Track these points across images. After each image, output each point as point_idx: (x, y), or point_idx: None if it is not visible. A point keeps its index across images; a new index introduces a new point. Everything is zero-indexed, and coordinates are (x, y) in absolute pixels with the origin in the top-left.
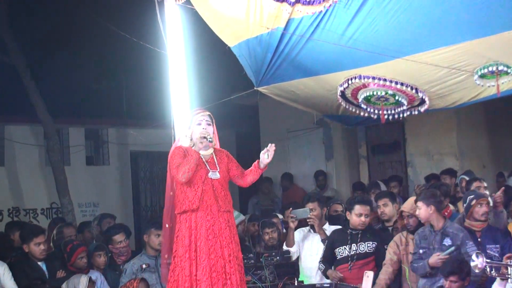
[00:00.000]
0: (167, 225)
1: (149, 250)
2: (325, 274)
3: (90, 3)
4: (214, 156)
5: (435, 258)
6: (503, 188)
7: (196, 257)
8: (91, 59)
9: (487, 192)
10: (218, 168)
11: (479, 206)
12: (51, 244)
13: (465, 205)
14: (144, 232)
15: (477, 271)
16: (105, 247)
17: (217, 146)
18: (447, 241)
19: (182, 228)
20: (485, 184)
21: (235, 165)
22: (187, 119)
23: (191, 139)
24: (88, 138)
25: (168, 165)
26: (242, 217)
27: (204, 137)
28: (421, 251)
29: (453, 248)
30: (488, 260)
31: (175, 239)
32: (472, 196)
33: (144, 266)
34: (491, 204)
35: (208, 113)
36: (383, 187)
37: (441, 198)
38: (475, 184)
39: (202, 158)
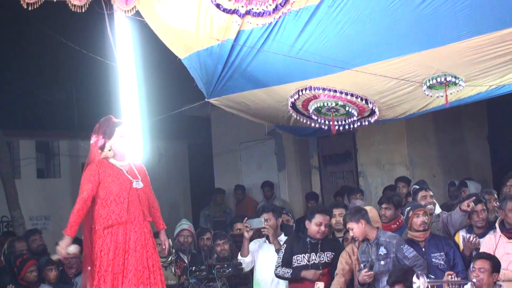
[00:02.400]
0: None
1: None
2: (293, 276)
3: (41, 14)
4: (133, 166)
5: (361, 276)
6: (473, 198)
7: (123, 269)
8: (42, 71)
9: (434, 201)
10: (139, 177)
11: (416, 216)
12: (2, 258)
13: (404, 217)
14: None
15: None
16: (56, 261)
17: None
18: (382, 250)
19: (107, 242)
20: (431, 193)
21: (149, 183)
22: (104, 126)
23: (110, 150)
24: (39, 150)
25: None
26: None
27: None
28: (362, 265)
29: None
30: (429, 280)
31: (98, 254)
32: (409, 208)
33: None
34: (438, 212)
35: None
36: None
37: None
38: (421, 194)
39: (122, 170)
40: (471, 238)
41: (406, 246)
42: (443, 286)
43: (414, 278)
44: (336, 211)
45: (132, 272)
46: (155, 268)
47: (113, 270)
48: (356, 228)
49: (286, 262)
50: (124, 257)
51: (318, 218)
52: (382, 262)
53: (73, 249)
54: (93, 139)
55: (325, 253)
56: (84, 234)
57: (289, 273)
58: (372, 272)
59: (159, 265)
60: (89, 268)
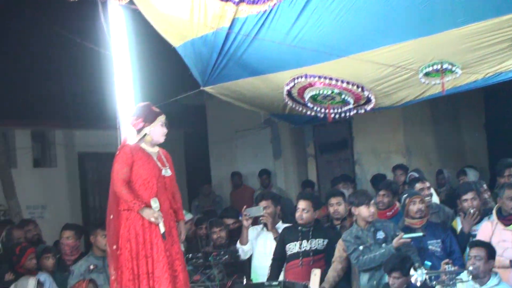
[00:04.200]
0: (111, 216)
1: (96, 251)
2: (273, 271)
3: (34, 3)
4: (161, 153)
5: (400, 241)
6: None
7: (153, 254)
8: (36, 60)
9: (432, 192)
10: (167, 164)
11: (412, 204)
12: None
13: (399, 205)
14: (91, 233)
15: (418, 284)
16: (53, 249)
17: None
18: (380, 234)
19: (135, 226)
20: (428, 184)
21: (174, 173)
22: (146, 111)
23: (147, 134)
24: (35, 140)
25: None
26: (189, 215)
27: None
28: (360, 247)
29: (420, 234)
30: (426, 270)
31: (126, 235)
32: (406, 195)
33: (91, 267)
34: (436, 200)
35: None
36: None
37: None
38: (417, 186)
39: (152, 156)
40: (471, 211)
41: (399, 231)
42: (441, 276)
43: (412, 271)
44: (334, 200)
45: (164, 258)
46: (179, 255)
47: (145, 253)
48: (370, 209)
49: (276, 253)
50: (152, 242)
51: (299, 203)
52: (383, 245)
53: (155, 206)
54: (133, 121)
55: (317, 240)
56: (112, 214)
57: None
58: (409, 240)
59: (182, 253)
60: (114, 247)
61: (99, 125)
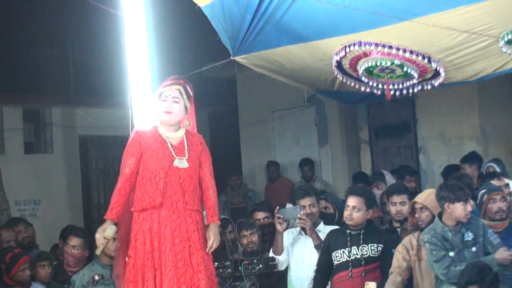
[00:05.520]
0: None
1: (102, 257)
2: (317, 285)
3: None
4: (185, 140)
5: (505, 254)
6: None
7: (161, 265)
8: (30, 21)
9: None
10: (186, 155)
11: (492, 202)
12: None
13: (477, 202)
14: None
15: None
16: (49, 255)
17: (193, 128)
18: (469, 235)
19: (143, 230)
20: (507, 181)
21: (207, 163)
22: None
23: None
24: (27, 120)
25: None
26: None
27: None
28: (451, 253)
29: None
30: None
31: (134, 243)
32: (483, 191)
33: (96, 277)
34: None
35: (178, 86)
36: (389, 179)
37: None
38: (493, 183)
39: (166, 142)
40: None
41: (490, 229)
42: None
43: None
44: (398, 198)
45: (172, 269)
46: (201, 268)
47: (153, 264)
48: (463, 207)
49: (320, 264)
50: (160, 250)
51: (349, 200)
52: (474, 249)
53: (110, 231)
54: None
55: (369, 245)
56: (123, 216)
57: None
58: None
59: (209, 265)
60: (126, 258)
61: (106, 103)
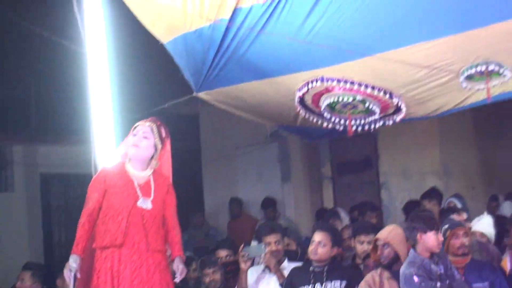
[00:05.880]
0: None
1: None
2: None
3: None
4: (152, 180)
5: None
6: None
7: None
8: None
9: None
10: (152, 195)
11: (455, 237)
12: None
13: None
14: (58, 276)
15: None
16: None
17: (169, 172)
18: (440, 269)
19: (105, 268)
20: (465, 217)
21: (172, 205)
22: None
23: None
24: None
25: None
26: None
27: None
28: (438, 284)
29: None
30: None
31: (96, 280)
32: (446, 226)
33: None
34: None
35: (151, 124)
36: (344, 216)
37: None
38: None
39: (133, 180)
40: None
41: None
42: None
43: None
44: (365, 238)
45: None
46: None
47: None
48: (436, 237)
49: None
50: None
51: (315, 235)
52: (447, 281)
53: (73, 264)
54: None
55: (333, 282)
56: (86, 252)
57: None
58: None
59: None
60: None
61: (68, 140)
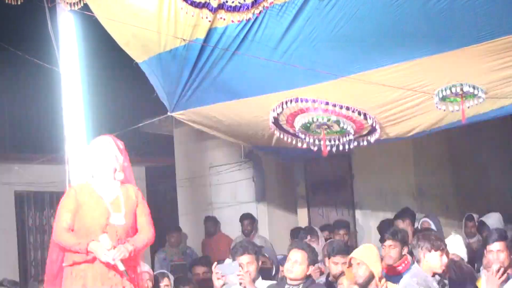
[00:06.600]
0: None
1: None
2: None
3: None
4: (121, 194)
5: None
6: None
7: None
8: None
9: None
10: (123, 210)
11: None
12: None
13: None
14: None
15: None
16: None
17: (131, 180)
18: None
19: (75, 285)
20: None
21: (143, 215)
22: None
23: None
24: None
25: None
26: (146, 266)
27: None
28: None
29: None
30: None
31: None
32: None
33: None
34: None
35: (105, 137)
36: (321, 236)
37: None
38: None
39: (102, 198)
40: (494, 268)
41: None
42: None
43: None
44: (341, 259)
45: None
46: None
47: None
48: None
49: None
50: None
51: (291, 253)
52: None
53: (107, 242)
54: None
55: None
56: (51, 272)
57: None
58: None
59: None
60: None
61: (42, 158)
